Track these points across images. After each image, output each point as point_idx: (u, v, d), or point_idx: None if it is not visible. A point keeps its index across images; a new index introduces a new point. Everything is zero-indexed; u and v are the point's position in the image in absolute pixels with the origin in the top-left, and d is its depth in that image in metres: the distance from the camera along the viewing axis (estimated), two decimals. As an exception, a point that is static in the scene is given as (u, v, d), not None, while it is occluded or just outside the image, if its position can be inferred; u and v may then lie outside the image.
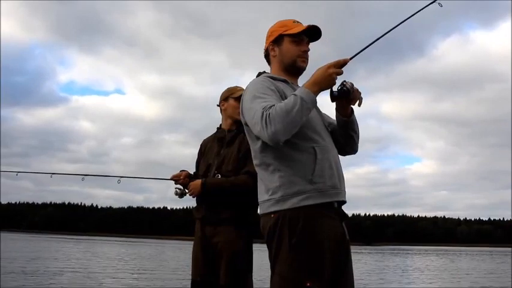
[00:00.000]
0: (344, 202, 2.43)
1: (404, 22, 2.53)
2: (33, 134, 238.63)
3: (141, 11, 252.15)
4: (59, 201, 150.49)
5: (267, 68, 2.65)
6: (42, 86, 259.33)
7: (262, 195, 2.40)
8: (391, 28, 2.47)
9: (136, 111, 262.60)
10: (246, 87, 2.45)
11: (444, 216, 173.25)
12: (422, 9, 2.54)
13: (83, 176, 4.04)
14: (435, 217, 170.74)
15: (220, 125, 3.75)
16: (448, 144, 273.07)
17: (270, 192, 2.33)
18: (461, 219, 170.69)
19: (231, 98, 3.62)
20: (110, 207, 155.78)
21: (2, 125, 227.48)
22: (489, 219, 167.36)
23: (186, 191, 3.61)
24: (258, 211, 2.48)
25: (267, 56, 2.61)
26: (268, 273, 2.31)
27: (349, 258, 2.37)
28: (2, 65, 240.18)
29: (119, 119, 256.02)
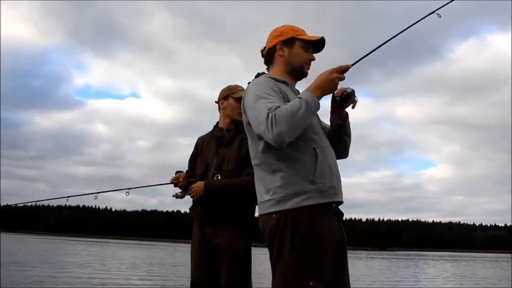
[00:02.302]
0: (341, 203, 2.45)
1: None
2: (49, 137, 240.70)
3: (156, 15, 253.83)
4: (73, 203, 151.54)
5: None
6: (58, 89, 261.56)
7: (261, 196, 2.41)
8: (388, 39, 2.56)
9: (151, 114, 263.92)
10: (248, 87, 2.47)
11: (459, 222, 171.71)
12: (419, 20, 2.61)
13: (96, 195, 4.09)
14: (450, 222, 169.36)
15: (218, 123, 3.69)
16: (464, 149, 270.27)
17: (270, 193, 2.34)
18: (477, 224, 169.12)
19: (231, 97, 3.57)
20: (124, 210, 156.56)
21: (19, 128, 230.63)
22: (505, 225, 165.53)
23: (186, 192, 3.57)
24: (257, 211, 2.47)
25: (269, 55, 2.60)
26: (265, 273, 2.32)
27: (346, 258, 2.38)
28: (19, 69, 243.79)
29: (134, 123, 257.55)
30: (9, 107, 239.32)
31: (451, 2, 2.73)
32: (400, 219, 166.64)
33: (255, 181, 2.48)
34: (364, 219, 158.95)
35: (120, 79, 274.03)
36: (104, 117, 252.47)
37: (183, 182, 3.58)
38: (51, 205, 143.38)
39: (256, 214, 2.65)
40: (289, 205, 2.28)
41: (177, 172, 3.67)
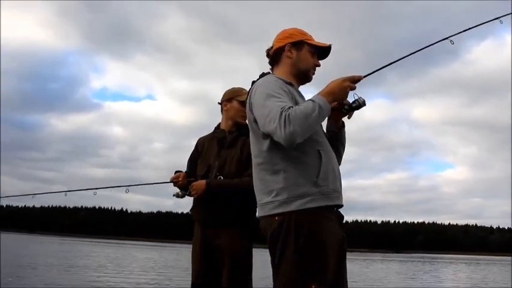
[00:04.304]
0: (342, 206, 2.44)
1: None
2: (66, 139, 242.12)
3: (171, 17, 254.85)
4: (90, 205, 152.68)
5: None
6: (75, 92, 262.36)
7: (262, 197, 2.39)
8: (406, 55, 2.69)
9: (167, 116, 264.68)
10: (256, 84, 2.45)
11: (476, 224, 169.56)
12: (433, 44, 2.75)
13: (95, 190, 4.06)
14: (467, 225, 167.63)
15: (219, 124, 3.68)
16: (482, 150, 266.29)
17: (273, 194, 2.32)
18: (494, 227, 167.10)
19: (236, 100, 3.56)
20: (140, 211, 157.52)
21: (37, 131, 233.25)
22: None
23: (186, 192, 3.56)
24: (257, 213, 2.45)
25: (276, 55, 2.60)
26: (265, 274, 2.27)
27: (345, 260, 2.37)
28: (38, 72, 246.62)
29: (150, 125, 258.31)
30: (27, 109, 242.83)
31: (464, 31, 2.80)
32: (416, 222, 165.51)
33: (254, 181, 2.47)
34: (379, 222, 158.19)
35: (136, 81, 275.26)
36: (120, 119, 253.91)
37: (183, 181, 3.58)
38: (67, 206, 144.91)
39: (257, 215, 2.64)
40: (292, 207, 2.27)
41: (176, 172, 3.68)
